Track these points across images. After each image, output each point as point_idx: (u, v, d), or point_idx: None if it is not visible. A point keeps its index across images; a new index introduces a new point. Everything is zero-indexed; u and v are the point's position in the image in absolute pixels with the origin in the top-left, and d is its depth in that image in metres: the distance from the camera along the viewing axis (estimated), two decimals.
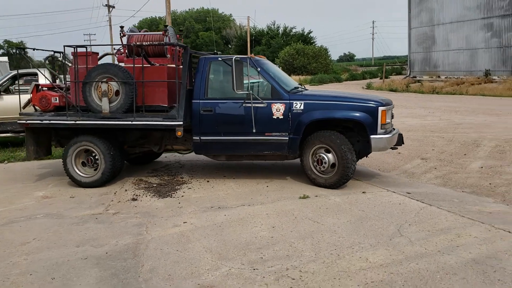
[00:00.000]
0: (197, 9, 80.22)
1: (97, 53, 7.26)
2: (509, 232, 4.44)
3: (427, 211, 5.21)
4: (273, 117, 6.27)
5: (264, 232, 4.63)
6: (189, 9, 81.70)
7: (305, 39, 58.91)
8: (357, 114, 6.12)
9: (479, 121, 12.79)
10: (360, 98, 6.55)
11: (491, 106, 17.24)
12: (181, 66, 6.53)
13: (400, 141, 6.74)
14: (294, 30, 62.48)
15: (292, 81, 7.19)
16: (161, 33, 6.89)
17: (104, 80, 6.34)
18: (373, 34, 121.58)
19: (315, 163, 6.26)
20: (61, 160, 6.81)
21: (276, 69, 7.08)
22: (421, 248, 4.08)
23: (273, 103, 6.29)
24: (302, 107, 6.22)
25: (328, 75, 43.73)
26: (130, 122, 6.34)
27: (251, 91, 6.26)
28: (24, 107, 7.08)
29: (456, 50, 31.92)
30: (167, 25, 7.07)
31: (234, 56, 6.17)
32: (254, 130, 6.27)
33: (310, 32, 62.42)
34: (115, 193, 6.30)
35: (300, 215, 5.14)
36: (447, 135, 10.35)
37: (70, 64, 7.05)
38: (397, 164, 7.96)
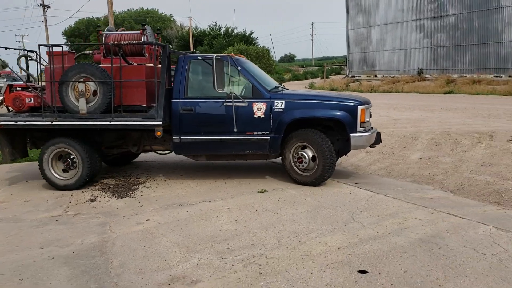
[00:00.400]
0: (137, 9, 78.54)
1: (74, 53, 7.20)
2: (449, 214, 4.94)
3: (375, 198, 5.65)
4: (254, 116, 6.27)
5: (228, 225, 4.84)
6: (128, 9, 79.84)
7: (247, 39, 59.45)
8: (337, 113, 6.20)
9: (415, 117, 13.66)
10: (339, 97, 6.72)
11: (425, 102, 18.40)
12: (160, 66, 6.48)
13: (378, 139, 6.83)
14: (236, 31, 62.86)
15: (272, 80, 7.25)
16: (139, 32, 6.83)
17: (81, 80, 6.23)
18: (312, 35, 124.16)
19: (296, 161, 6.32)
20: (26, 163, 6.71)
21: (256, 69, 7.11)
22: (373, 231, 4.46)
23: (254, 102, 6.29)
24: (283, 106, 6.25)
25: (272, 76, 44.45)
26: (108, 123, 6.23)
27: (232, 90, 6.24)
28: None
29: (391, 50, 33.56)
30: (145, 24, 6.95)
31: (215, 55, 6.15)
32: (235, 130, 6.25)
33: (252, 33, 63.06)
34: (71, 195, 6.24)
35: (260, 207, 5.40)
36: (387, 130, 11.02)
37: (45, 64, 6.87)
38: (344, 158, 8.43)
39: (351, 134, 6.16)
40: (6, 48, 7.13)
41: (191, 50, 48.16)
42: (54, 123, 6.34)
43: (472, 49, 27.28)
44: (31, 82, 7.30)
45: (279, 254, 3.99)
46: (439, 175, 6.96)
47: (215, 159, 6.99)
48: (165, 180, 6.95)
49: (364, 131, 6.30)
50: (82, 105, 6.25)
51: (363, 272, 3.59)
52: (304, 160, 6.25)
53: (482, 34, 26.58)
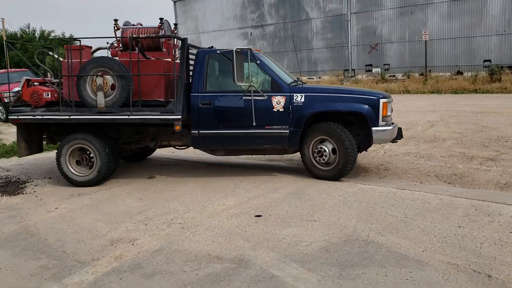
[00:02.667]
0: None
1: (91, 47, 7.06)
2: (307, 176, 6.61)
3: (253, 170, 7.07)
4: (274, 110, 6.25)
5: (136, 203, 5.66)
6: None
7: (67, 42, 56.21)
8: (359, 107, 6.14)
9: None
10: (361, 91, 6.82)
11: None
12: (178, 61, 6.50)
13: (399, 134, 6.74)
14: (53, 34, 58.83)
15: (290, 75, 7.16)
16: (157, 26, 6.76)
17: (99, 73, 6.16)
18: None
19: (316, 155, 6.32)
20: None
21: (274, 63, 7.02)
22: (255, 193, 5.83)
23: (273, 95, 6.26)
24: (303, 100, 6.22)
25: None
26: (127, 117, 6.19)
27: (251, 83, 6.22)
28: (15, 102, 6.81)
29: None
30: (162, 18, 6.79)
31: (235, 48, 6.12)
32: (254, 123, 6.22)
33: (72, 36, 59.87)
34: None
35: (157, 188, 6.31)
36: None
37: (62, 59, 6.79)
38: None
39: (373, 128, 6.10)
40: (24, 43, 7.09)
41: (6, 53, 43.69)
42: (71, 117, 6.29)
43: (289, 54, 31.29)
44: (48, 77, 7.19)
45: (191, 215, 5.05)
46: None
47: (233, 154, 6.99)
48: (50, 178, 7.25)
49: (386, 125, 6.24)
50: (100, 99, 6.19)
51: (258, 216, 4.91)
52: (325, 154, 6.23)
53: (296, 41, 30.76)
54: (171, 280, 3.51)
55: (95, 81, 6.20)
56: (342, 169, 6.16)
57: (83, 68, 6.23)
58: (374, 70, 28.62)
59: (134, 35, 6.30)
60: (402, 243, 4.00)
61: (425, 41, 24.53)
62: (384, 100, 6.19)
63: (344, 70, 29.36)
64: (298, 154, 6.70)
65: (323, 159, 6.25)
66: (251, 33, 33.75)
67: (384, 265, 3.57)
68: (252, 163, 7.92)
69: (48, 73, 7.41)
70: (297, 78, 7.17)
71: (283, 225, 4.60)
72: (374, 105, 6.12)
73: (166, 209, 5.34)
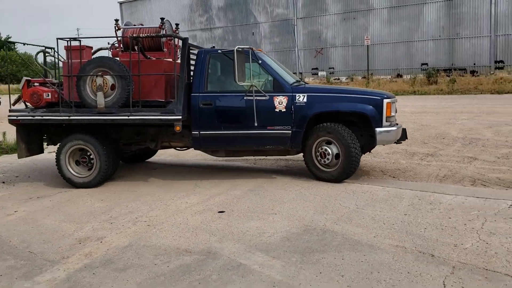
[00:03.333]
0: None
1: (91, 47, 6.98)
2: (265, 172, 6.91)
3: (211, 170, 7.28)
4: (276, 110, 6.17)
5: (98, 203, 5.73)
6: None
7: (2, 45, 53.80)
8: (362, 107, 6.07)
9: None
10: (364, 91, 6.79)
11: None
12: (179, 61, 6.43)
13: (404, 135, 6.62)
14: None
15: (292, 75, 7.05)
16: (158, 26, 6.68)
17: (99, 74, 6.10)
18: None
19: (319, 156, 6.22)
20: None
21: (276, 63, 6.90)
22: (216, 191, 6.07)
23: (275, 95, 6.18)
24: (305, 100, 6.14)
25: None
26: (126, 117, 6.13)
27: (253, 83, 6.11)
28: (14, 103, 6.80)
29: None
30: (163, 18, 6.78)
31: (236, 47, 5.99)
32: (256, 124, 6.12)
33: (8, 38, 57.32)
34: None
35: (118, 189, 6.39)
36: None
37: (62, 59, 6.75)
38: None
39: (377, 129, 6.03)
40: (24, 44, 7.25)
41: None
42: (71, 118, 6.25)
43: None
44: (48, 77, 7.14)
45: (156, 214, 5.21)
46: None
47: (235, 155, 6.85)
48: (3, 182, 7.10)
49: (390, 125, 6.17)
50: (100, 100, 6.13)
51: (221, 212, 5.15)
52: (327, 155, 6.14)
53: (244, 45, 31.20)
54: (144, 272, 3.68)
55: (95, 81, 6.16)
56: (345, 171, 6.07)
57: (83, 68, 6.19)
58: (320, 73, 29.61)
59: (132, 35, 6.27)
60: (356, 230, 4.38)
61: (367, 45, 25.73)
62: (388, 100, 6.11)
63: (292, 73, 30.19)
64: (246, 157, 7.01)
65: (325, 161, 6.15)
66: (199, 36, 33.82)
67: (340, 250, 3.92)
68: (210, 164, 8.14)
69: (48, 73, 7.33)
70: (300, 78, 7.08)
71: (245, 219, 4.87)
72: (378, 106, 6.04)
73: (129, 208, 5.46)
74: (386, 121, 6.07)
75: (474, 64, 24.90)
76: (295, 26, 29.64)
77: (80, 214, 5.30)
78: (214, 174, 7.15)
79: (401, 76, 26.82)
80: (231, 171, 7.33)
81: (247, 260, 3.81)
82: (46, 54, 7.13)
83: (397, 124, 6.39)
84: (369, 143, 6.41)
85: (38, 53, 7.14)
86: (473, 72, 24.86)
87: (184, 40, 6.30)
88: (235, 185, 6.31)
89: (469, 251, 3.78)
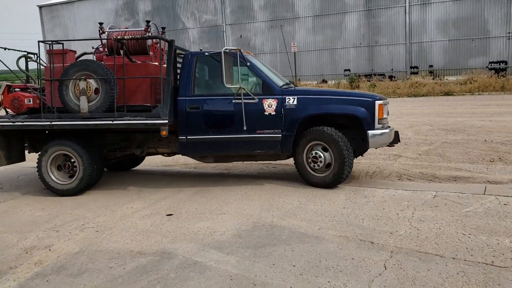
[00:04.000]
0: None
1: (75, 51, 6.81)
2: (208, 178, 7.04)
3: (154, 176, 7.28)
4: (265, 113, 5.98)
5: (39, 212, 5.57)
6: None
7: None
8: (354, 109, 5.94)
9: None
10: (355, 93, 6.66)
11: None
12: (165, 65, 6.22)
13: (396, 138, 6.49)
14: None
15: (281, 78, 6.85)
16: (143, 29, 6.52)
17: (82, 77, 5.91)
18: None
19: (311, 162, 6.06)
20: None
21: (264, 65, 6.70)
22: (161, 195, 6.13)
23: (264, 98, 6.01)
24: (295, 103, 5.98)
25: None
26: (110, 122, 5.90)
27: (241, 86, 5.94)
28: None
29: None
30: (149, 21, 6.55)
31: (223, 48, 5.83)
32: (244, 128, 5.95)
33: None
34: None
35: (57, 198, 6.22)
36: None
37: (45, 64, 6.57)
38: None
39: (369, 132, 5.90)
40: (5, 48, 6.81)
41: None
42: (53, 123, 6.03)
43: None
44: (30, 83, 6.93)
45: (102, 220, 5.17)
46: None
47: (224, 160, 6.69)
48: None
49: (383, 128, 6.06)
50: (83, 104, 5.94)
51: (170, 215, 5.24)
52: (320, 160, 5.97)
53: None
54: (101, 275, 3.70)
55: (78, 85, 5.99)
56: (338, 176, 5.91)
57: (66, 72, 6.00)
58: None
59: (117, 38, 6.14)
60: (301, 224, 4.68)
61: (294, 52, 26.66)
62: (380, 102, 5.99)
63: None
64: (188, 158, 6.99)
65: (318, 165, 5.99)
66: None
67: (289, 243, 4.19)
68: (151, 170, 8.13)
69: (30, 78, 7.08)
70: (289, 81, 7.02)
71: (195, 220, 5.01)
72: (370, 107, 5.92)
73: (74, 216, 5.37)
74: (378, 123, 5.96)
75: (392, 69, 26.66)
76: (224, 33, 29.97)
77: (22, 224, 5.13)
78: (157, 180, 7.17)
79: (326, 81, 28.08)
80: (174, 177, 7.40)
81: (202, 258, 3.96)
82: (28, 60, 6.91)
83: (389, 126, 6.27)
84: (361, 147, 6.28)
85: (19, 58, 6.89)
86: (391, 77, 26.63)
87: (170, 42, 6.15)
88: (180, 189, 6.40)
89: (403, 237, 4.21)
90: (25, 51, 6.91)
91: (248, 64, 6.17)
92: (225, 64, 5.67)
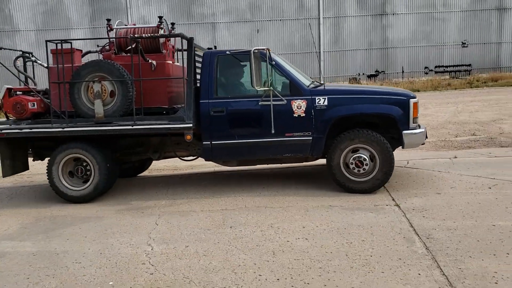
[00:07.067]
0: None
1: (81, 50, 6.27)
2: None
3: None
4: (294, 115, 5.62)
5: None
6: None
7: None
8: (388, 108, 5.62)
9: None
10: (387, 91, 6.23)
11: None
12: (177, 63, 6.08)
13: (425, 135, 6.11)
14: None
15: (306, 77, 6.36)
16: (155, 26, 6.05)
17: (96, 79, 5.52)
18: None
19: (353, 166, 5.59)
20: None
21: (288, 64, 6.21)
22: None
23: (293, 99, 5.63)
24: (326, 103, 5.60)
25: None
26: (130, 127, 5.53)
27: (271, 87, 5.53)
28: None
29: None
30: (161, 17, 6.14)
31: (253, 48, 5.36)
32: (272, 131, 5.58)
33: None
34: None
35: None
36: None
37: (45, 65, 5.98)
38: None
39: (404, 132, 5.58)
40: (1, 48, 6.14)
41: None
42: (66, 130, 5.59)
43: None
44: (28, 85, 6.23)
45: None
46: None
47: (247, 164, 6.36)
48: None
49: (417, 127, 5.79)
50: (98, 108, 5.56)
51: None
52: (365, 163, 5.56)
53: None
54: None
55: (92, 88, 5.57)
56: (382, 180, 5.60)
57: (77, 74, 5.58)
58: None
59: (134, 35, 5.66)
60: (80, 211, 5.54)
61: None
62: (414, 100, 5.75)
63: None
64: None
65: (364, 169, 5.59)
66: None
67: (75, 224, 5.05)
68: None
69: (30, 80, 6.46)
70: (314, 80, 6.69)
71: None
72: (404, 106, 5.64)
73: None
74: (413, 122, 5.72)
75: None
76: None
77: None
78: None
79: None
80: None
81: None
82: (26, 60, 6.45)
83: (419, 125, 6.00)
84: (392, 146, 5.87)
85: (17, 58, 6.27)
86: None
87: (190, 40, 5.73)
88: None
89: (164, 205, 5.63)
90: (20, 50, 6.53)
91: (273, 63, 5.81)
92: (255, 64, 5.39)
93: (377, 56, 24.64)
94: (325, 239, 4.20)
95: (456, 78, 23.88)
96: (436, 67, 25.16)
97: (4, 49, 6.41)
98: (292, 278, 3.45)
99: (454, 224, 4.38)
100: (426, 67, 25.16)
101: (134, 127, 5.57)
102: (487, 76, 23.00)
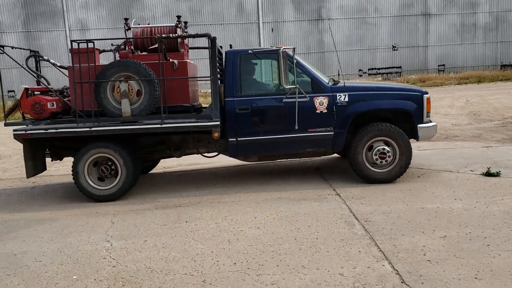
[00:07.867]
0: None
1: (98, 50, 6.25)
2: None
3: None
4: (316, 111, 5.93)
5: None
6: None
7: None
8: (404, 103, 6.04)
9: None
10: (403, 87, 6.65)
11: None
12: (192, 62, 6.32)
13: None
14: None
15: (323, 75, 6.57)
16: (173, 25, 6.25)
17: (123, 79, 5.59)
18: None
19: (376, 158, 5.95)
20: None
21: (307, 63, 6.45)
22: None
23: (315, 96, 5.93)
24: (346, 99, 5.94)
25: None
26: (158, 126, 5.66)
27: (297, 85, 5.80)
28: (8, 115, 6.15)
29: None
30: (179, 16, 6.37)
31: (282, 48, 5.67)
32: (296, 127, 5.86)
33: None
34: None
35: None
36: None
37: (58, 64, 6.39)
38: None
39: (419, 126, 6.04)
40: (13, 47, 6.23)
41: None
42: (93, 129, 5.59)
43: None
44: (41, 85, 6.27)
45: None
46: None
47: (268, 159, 6.63)
48: None
49: (430, 121, 6.23)
50: (125, 107, 5.65)
51: None
52: (388, 155, 5.94)
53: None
54: None
55: (119, 87, 5.63)
56: (399, 171, 6.00)
57: (103, 73, 5.62)
58: None
59: (161, 35, 5.76)
60: (34, 214, 5.54)
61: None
62: (427, 95, 6.19)
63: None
64: None
65: (386, 161, 5.96)
66: None
67: (30, 226, 5.06)
68: None
69: (44, 80, 6.38)
70: (331, 78, 6.81)
71: None
72: (419, 101, 6.09)
73: None
74: (427, 117, 6.18)
75: None
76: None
77: None
78: None
79: None
80: None
81: None
82: (39, 59, 6.44)
83: (430, 120, 6.39)
84: None
85: (28, 57, 6.21)
86: None
87: (213, 40, 5.78)
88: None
89: (117, 204, 5.76)
90: (28, 49, 6.54)
91: (295, 61, 6.03)
92: (283, 63, 5.69)
93: (315, 59, 25.64)
94: (275, 226, 4.58)
95: (388, 80, 25.51)
96: (369, 69, 26.63)
97: (16, 48, 6.44)
98: (247, 261, 3.78)
99: (389, 208, 4.93)
100: (360, 70, 26.53)
101: (163, 125, 5.69)
102: (415, 77, 24.74)
